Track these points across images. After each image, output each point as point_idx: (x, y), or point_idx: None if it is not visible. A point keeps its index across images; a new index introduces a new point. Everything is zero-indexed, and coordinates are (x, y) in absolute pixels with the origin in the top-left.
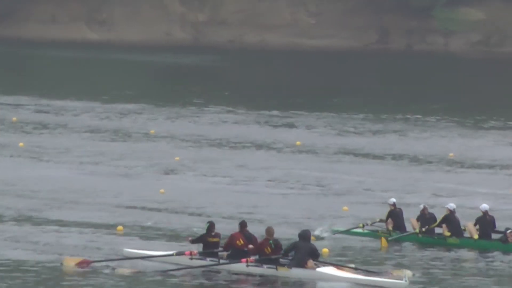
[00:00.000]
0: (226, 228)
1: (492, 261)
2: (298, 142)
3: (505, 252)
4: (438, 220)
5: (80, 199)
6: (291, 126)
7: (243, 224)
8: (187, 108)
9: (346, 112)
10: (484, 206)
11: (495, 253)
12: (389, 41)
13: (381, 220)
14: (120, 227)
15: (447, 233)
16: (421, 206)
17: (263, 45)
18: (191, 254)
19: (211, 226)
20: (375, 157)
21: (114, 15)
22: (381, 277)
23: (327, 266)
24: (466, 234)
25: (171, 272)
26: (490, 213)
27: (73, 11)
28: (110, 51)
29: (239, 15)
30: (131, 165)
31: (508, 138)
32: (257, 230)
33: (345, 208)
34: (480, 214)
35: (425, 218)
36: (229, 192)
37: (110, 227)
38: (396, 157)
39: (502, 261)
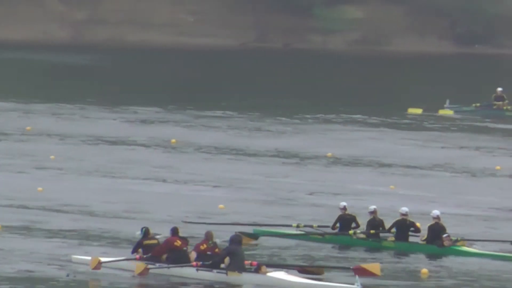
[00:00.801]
0: (106, 228)
1: (427, 265)
2: (173, 140)
3: (440, 256)
4: (390, 225)
5: None
6: (168, 123)
7: (175, 230)
8: (64, 106)
9: (224, 109)
10: (435, 212)
11: (431, 257)
12: (268, 39)
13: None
14: None
15: (392, 238)
16: (372, 208)
17: (143, 44)
18: (140, 258)
19: (147, 231)
20: (250, 154)
21: None
22: (333, 282)
23: (279, 270)
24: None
25: (114, 278)
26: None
27: None
28: None
29: (119, 14)
30: (7, 163)
31: (386, 134)
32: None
33: (221, 206)
34: (431, 220)
35: (375, 221)
36: (106, 189)
37: None
38: (273, 154)
39: (437, 266)
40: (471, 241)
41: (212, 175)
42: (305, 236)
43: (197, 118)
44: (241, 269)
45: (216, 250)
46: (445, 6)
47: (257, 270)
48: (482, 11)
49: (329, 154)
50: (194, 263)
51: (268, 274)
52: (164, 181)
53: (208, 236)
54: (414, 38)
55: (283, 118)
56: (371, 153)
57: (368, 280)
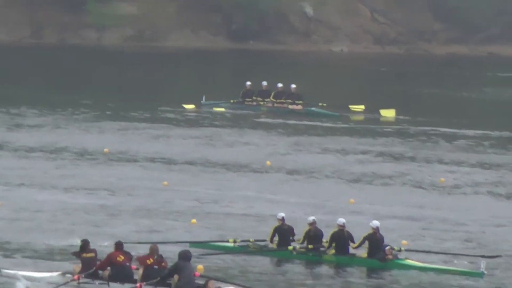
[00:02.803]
0: None
1: (369, 280)
2: None
3: (383, 270)
4: (328, 240)
5: None
6: None
7: (119, 245)
8: None
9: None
10: (375, 222)
11: (373, 271)
12: (43, 35)
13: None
14: None
15: (332, 250)
16: (311, 219)
17: None
18: (78, 278)
19: (84, 245)
20: (30, 150)
21: None
22: None
23: (229, 285)
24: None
25: None
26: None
27: None
28: None
29: None
30: None
31: (158, 129)
32: None
33: None
34: (371, 231)
35: (311, 233)
36: None
37: None
38: (50, 151)
39: (379, 281)
40: (412, 251)
41: None
42: (244, 250)
43: None
44: (190, 286)
45: (163, 264)
46: (218, 1)
47: (205, 285)
48: (255, 7)
49: (106, 150)
50: (138, 284)
51: None
52: None
53: (153, 251)
54: (189, 34)
55: (56, 114)
56: (144, 149)
57: None
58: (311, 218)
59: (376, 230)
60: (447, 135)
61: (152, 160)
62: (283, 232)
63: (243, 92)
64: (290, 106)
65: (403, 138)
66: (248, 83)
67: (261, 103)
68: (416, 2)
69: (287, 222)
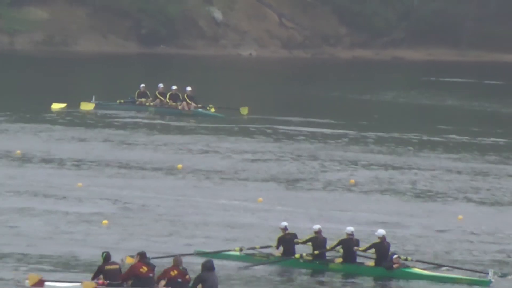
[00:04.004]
0: None
1: None
2: None
3: (389, 279)
4: (334, 243)
5: None
6: None
7: (142, 255)
8: None
9: None
10: (381, 231)
11: (379, 280)
12: None
13: (269, 247)
14: None
15: (339, 259)
16: (316, 228)
17: None
18: (103, 284)
19: (107, 256)
20: None
21: None
22: None
23: None
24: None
25: None
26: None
27: None
28: None
29: None
30: None
31: (69, 132)
32: None
33: None
34: (377, 240)
35: (318, 241)
36: None
37: None
38: None
39: None
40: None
41: None
42: (250, 259)
43: None
44: None
45: (187, 276)
46: (128, 7)
47: None
48: (163, 11)
49: (18, 152)
50: None
51: None
52: None
53: (177, 262)
54: (99, 39)
55: None
56: (56, 151)
57: None
58: (317, 226)
59: (383, 238)
60: (352, 138)
61: (66, 161)
62: (287, 241)
63: (138, 93)
64: (179, 107)
65: (307, 140)
66: (142, 85)
67: (147, 103)
68: (322, 7)
69: (212, 225)
